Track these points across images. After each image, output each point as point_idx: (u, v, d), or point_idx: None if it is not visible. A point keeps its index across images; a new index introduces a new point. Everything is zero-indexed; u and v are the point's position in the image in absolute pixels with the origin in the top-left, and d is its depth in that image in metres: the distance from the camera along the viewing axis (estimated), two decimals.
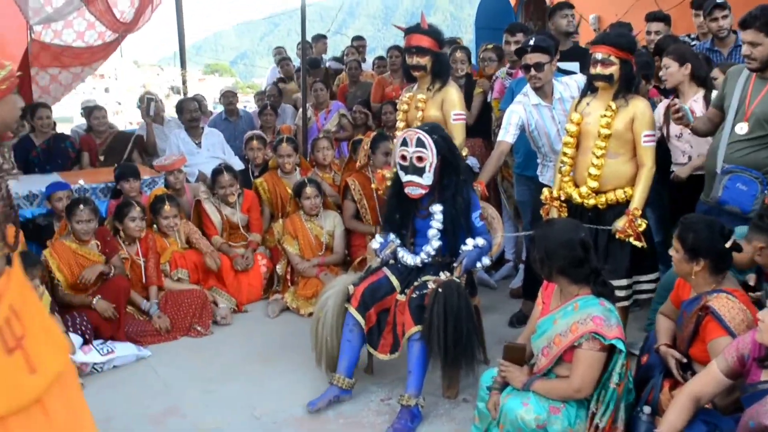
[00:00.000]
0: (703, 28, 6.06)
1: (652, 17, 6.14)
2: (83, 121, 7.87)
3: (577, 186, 4.35)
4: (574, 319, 3.15)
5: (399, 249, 4.29)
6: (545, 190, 4.58)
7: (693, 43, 6.18)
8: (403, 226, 4.30)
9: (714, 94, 4.61)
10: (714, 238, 3.17)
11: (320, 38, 10.36)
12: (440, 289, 3.82)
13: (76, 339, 4.55)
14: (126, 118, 33.10)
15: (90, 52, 8.13)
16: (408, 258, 4.23)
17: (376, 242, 4.40)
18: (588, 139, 4.29)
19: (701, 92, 4.67)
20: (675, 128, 4.72)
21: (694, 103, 4.63)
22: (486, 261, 4.21)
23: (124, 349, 4.70)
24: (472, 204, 4.19)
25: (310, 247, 5.70)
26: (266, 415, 4.01)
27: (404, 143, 4.11)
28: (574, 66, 5.56)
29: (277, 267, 5.78)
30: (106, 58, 8.46)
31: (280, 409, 4.06)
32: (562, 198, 4.44)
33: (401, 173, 4.16)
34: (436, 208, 4.14)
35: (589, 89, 4.37)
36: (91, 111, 7.18)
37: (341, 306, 4.17)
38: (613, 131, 4.18)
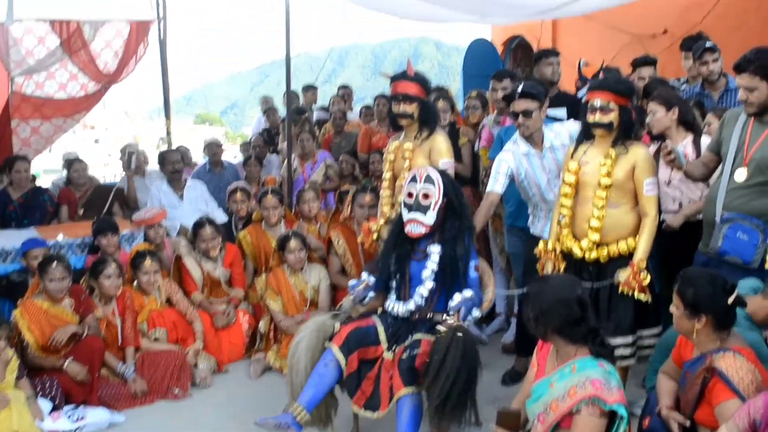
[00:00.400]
0: (692, 71, 5.96)
1: (641, 62, 6.04)
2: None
3: (576, 238, 4.18)
4: (571, 382, 2.94)
5: (389, 301, 4.10)
6: (541, 243, 4.40)
7: (682, 87, 6.08)
8: (398, 269, 4.13)
9: (704, 138, 4.49)
10: (716, 292, 2.99)
11: (310, 89, 10.25)
12: (459, 333, 3.65)
13: (45, 404, 4.30)
14: (116, 170, 32.96)
15: (72, 104, 8.03)
16: (399, 307, 4.06)
17: (353, 280, 4.29)
18: (586, 188, 4.15)
19: (690, 137, 4.52)
20: (664, 174, 4.57)
21: (683, 148, 4.49)
22: (476, 313, 4.00)
23: (96, 415, 4.43)
24: (470, 253, 4.06)
25: (294, 303, 5.48)
26: None
27: (413, 179, 4.10)
28: (561, 112, 5.44)
29: (260, 324, 5.55)
30: (89, 110, 8.36)
31: None
32: (559, 251, 4.27)
33: (404, 211, 4.09)
34: (434, 249, 4.03)
35: (585, 137, 4.23)
36: (71, 163, 7.00)
37: (315, 349, 3.96)
38: (614, 180, 4.04)
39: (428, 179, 4.05)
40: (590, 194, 4.12)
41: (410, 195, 4.06)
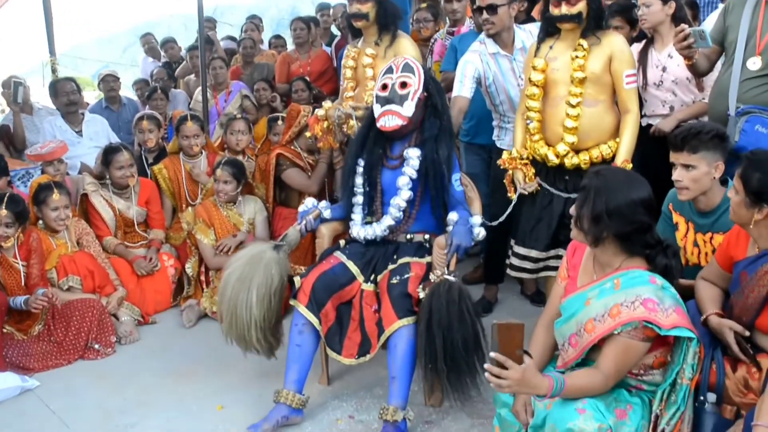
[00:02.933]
0: None
1: None
2: None
3: (549, 145, 3.69)
4: (615, 299, 2.41)
5: (355, 226, 3.48)
6: (505, 153, 3.91)
7: None
8: (369, 179, 3.50)
9: None
10: None
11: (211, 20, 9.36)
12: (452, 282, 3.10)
13: None
14: None
15: None
16: (370, 230, 3.45)
17: (304, 205, 3.64)
18: (557, 87, 3.68)
19: None
20: (654, 75, 4.15)
21: (673, 49, 4.03)
22: (479, 232, 3.40)
23: (4, 381, 3.63)
24: (453, 159, 3.44)
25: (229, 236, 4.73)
26: None
27: (388, 70, 3.49)
28: None
29: (187, 267, 4.80)
30: None
31: None
32: (526, 157, 3.79)
33: (377, 107, 3.42)
34: (412, 153, 3.39)
35: (548, 33, 3.72)
36: None
37: (247, 278, 3.30)
38: (589, 74, 3.58)
39: (407, 67, 3.44)
40: (562, 93, 3.65)
41: (384, 87, 3.43)
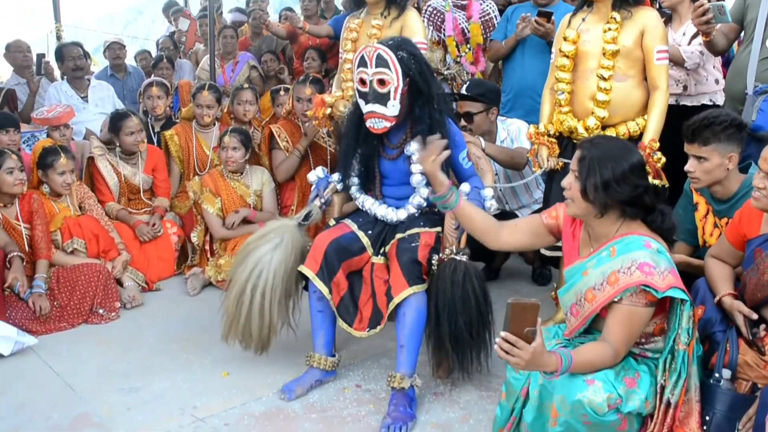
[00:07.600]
0: None
1: None
2: None
3: (578, 118, 3.62)
4: (612, 267, 2.38)
5: (367, 197, 3.42)
6: (531, 127, 3.85)
7: None
8: (366, 172, 3.39)
9: None
10: None
11: None
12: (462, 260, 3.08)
13: None
14: None
15: None
16: (384, 210, 3.35)
17: (314, 174, 3.57)
18: (587, 60, 3.58)
19: None
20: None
21: (692, 28, 3.98)
22: (490, 205, 3.33)
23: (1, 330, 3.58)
24: (455, 141, 3.26)
25: (236, 207, 4.68)
26: (213, 416, 3.06)
27: (362, 62, 3.17)
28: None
29: (192, 236, 4.76)
30: None
31: (229, 407, 3.13)
32: (552, 132, 3.72)
33: (361, 102, 3.23)
34: (414, 147, 3.20)
35: (584, 4, 3.65)
36: None
37: (292, 269, 3.27)
38: (620, 48, 3.48)
39: (381, 61, 3.09)
40: (593, 65, 3.56)
41: (363, 82, 3.17)
